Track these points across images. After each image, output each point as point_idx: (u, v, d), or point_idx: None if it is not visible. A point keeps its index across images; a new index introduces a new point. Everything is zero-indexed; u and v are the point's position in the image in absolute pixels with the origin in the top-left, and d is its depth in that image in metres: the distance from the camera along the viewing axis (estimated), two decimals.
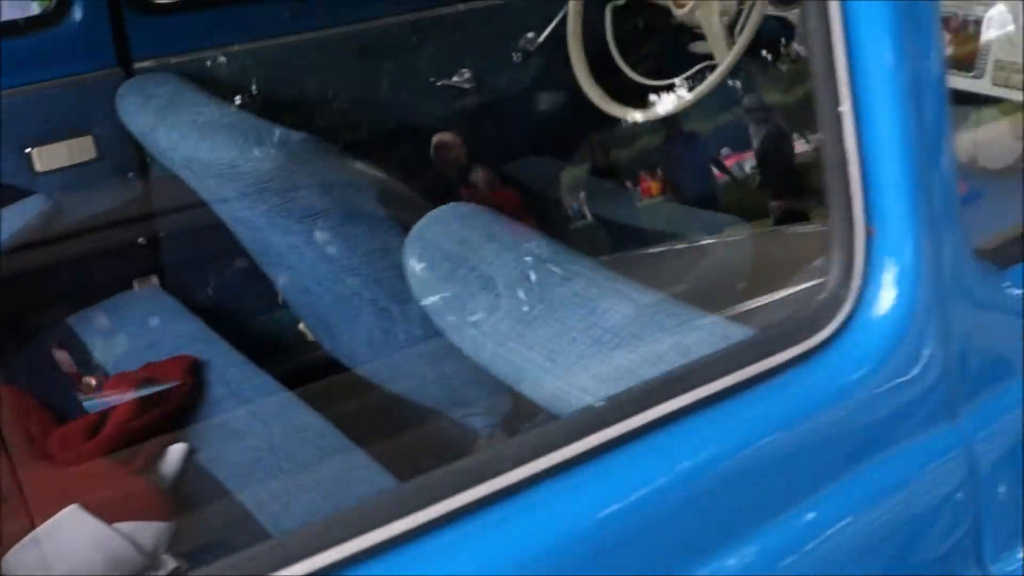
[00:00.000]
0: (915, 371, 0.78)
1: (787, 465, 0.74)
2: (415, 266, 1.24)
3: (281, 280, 1.89)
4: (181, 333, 1.96)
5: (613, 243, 2.48)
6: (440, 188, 2.33)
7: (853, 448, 0.77)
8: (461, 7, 2.33)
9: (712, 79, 1.98)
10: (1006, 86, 1.95)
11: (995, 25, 1.95)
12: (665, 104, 2.10)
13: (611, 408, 0.72)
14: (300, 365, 2.12)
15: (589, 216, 2.50)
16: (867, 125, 0.71)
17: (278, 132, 1.56)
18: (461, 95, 2.35)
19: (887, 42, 0.71)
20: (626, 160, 2.66)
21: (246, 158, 1.53)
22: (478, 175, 2.36)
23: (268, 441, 1.63)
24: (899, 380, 0.78)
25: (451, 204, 1.31)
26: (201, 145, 1.59)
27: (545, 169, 2.53)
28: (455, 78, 2.34)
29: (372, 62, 2.22)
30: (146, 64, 1.98)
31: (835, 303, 0.74)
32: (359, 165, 1.66)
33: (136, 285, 2.11)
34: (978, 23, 1.98)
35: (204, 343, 1.92)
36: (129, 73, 1.96)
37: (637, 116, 2.13)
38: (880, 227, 0.73)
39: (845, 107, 0.70)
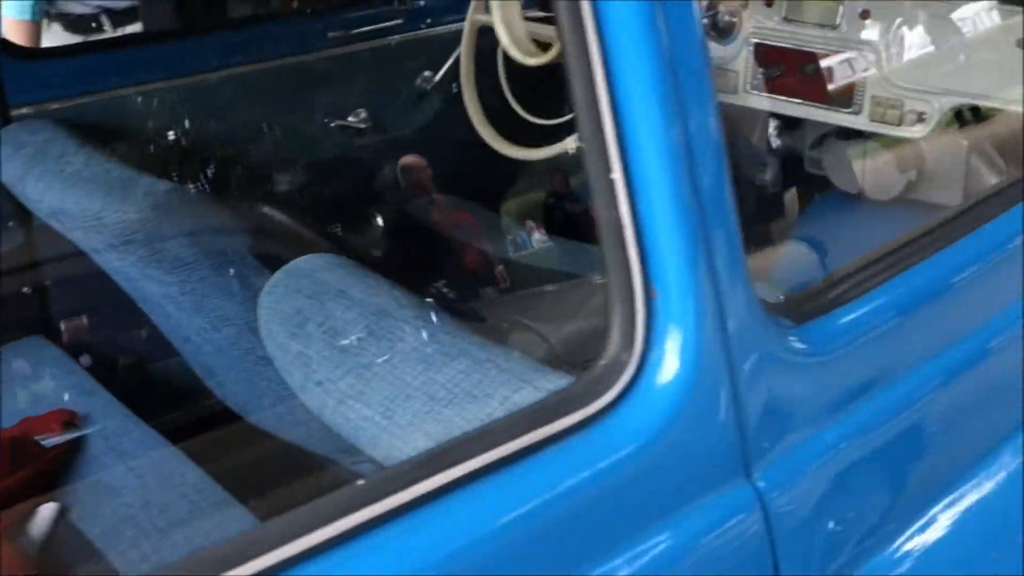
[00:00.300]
0: (703, 434, 0.78)
1: (565, 533, 0.73)
2: (265, 321, 1.22)
3: (164, 329, 1.86)
4: (65, 386, 1.92)
5: (564, 274, 2.48)
6: (408, 209, 2.33)
7: (640, 513, 0.76)
8: (355, 47, 2.33)
9: None
10: (883, 122, 2.00)
11: (870, 62, 2.00)
12: (558, 144, 2.11)
13: (387, 479, 0.72)
14: (195, 414, 2.09)
15: (539, 245, 2.50)
16: (640, 191, 0.71)
17: (144, 182, 1.54)
18: (357, 135, 2.35)
19: (655, 108, 0.71)
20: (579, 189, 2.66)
21: (111, 210, 1.50)
22: (440, 198, 2.36)
23: (143, 497, 1.60)
24: (686, 444, 0.77)
25: (308, 256, 1.30)
26: (66, 196, 1.56)
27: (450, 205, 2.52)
28: (351, 118, 2.33)
29: (263, 103, 2.21)
30: (24, 111, 1.94)
31: (617, 368, 0.74)
32: (229, 212, 1.65)
33: (21, 336, 2.06)
34: (852, 61, 2.03)
35: (87, 395, 1.88)
36: (7, 120, 1.93)
37: (530, 156, 2.14)
38: (661, 291, 0.73)
39: (616, 175, 0.71)
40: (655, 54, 0.70)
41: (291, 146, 2.26)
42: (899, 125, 1.99)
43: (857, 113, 2.05)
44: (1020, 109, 1.94)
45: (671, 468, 0.77)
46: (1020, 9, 1.99)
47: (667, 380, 0.75)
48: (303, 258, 1.30)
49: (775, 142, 2.51)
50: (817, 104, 2.10)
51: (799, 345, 0.85)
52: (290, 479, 1.71)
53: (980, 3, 1.98)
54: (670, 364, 0.74)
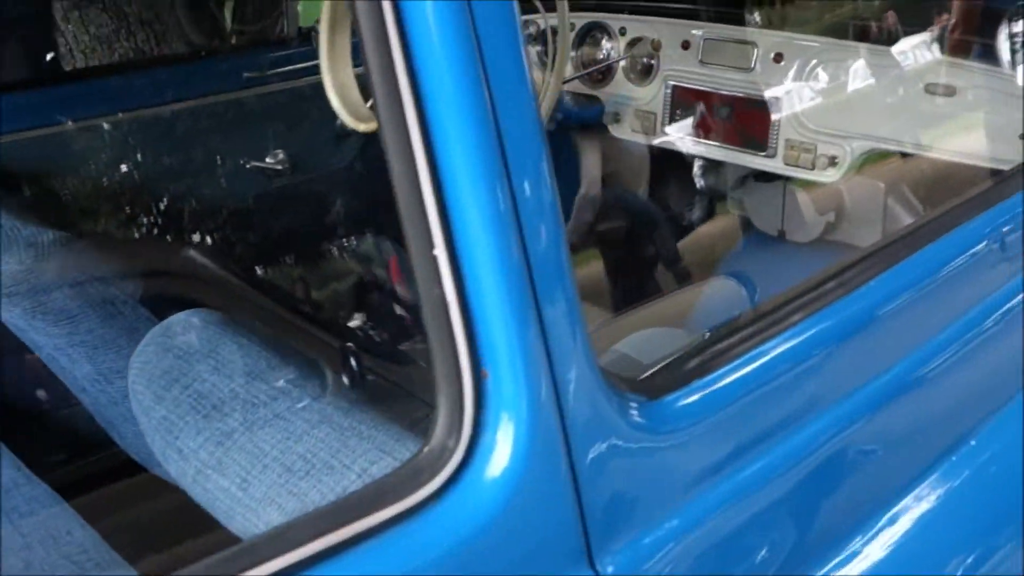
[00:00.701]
0: (538, 524, 0.74)
1: None
2: (133, 382, 1.18)
3: (61, 378, 1.80)
4: None
5: None
6: (330, 251, 2.30)
7: None
8: (273, 87, 2.30)
9: None
10: (796, 165, 2.00)
11: (783, 105, 2.01)
12: None
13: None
14: (98, 465, 2.03)
15: None
16: (465, 266, 0.68)
17: (27, 232, 1.48)
18: (276, 176, 2.31)
19: (479, 177, 0.67)
20: None
21: None
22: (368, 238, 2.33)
23: (26, 559, 1.53)
24: (519, 535, 0.73)
25: (186, 313, 1.26)
26: None
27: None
28: (268, 159, 2.29)
29: (176, 146, 2.16)
30: None
31: (443, 456, 0.70)
32: (123, 261, 1.60)
33: None
34: (766, 104, 2.03)
35: None
36: None
37: None
38: (492, 373, 0.70)
39: (439, 251, 0.67)
40: (477, 119, 0.66)
41: (205, 190, 2.21)
42: (812, 169, 2.00)
43: (772, 156, 2.05)
44: (929, 153, 1.95)
45: (503, 560, 0.73)
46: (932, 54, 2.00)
47: (498, 467, 0.70)
48: (180, 315, 1.26)
49: (699, 182, 2.51)
50: (732, 147, 2.10)
51: (650, 423, 0.81)
52: (183, 537, 1.65)
53: (891, 48, 2.00)
54: (501, 450, 0.70)
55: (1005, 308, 1.37)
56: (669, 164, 2.59)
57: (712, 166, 2.45)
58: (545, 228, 0.70)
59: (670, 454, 0.83)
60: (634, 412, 0.80)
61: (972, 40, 1.89)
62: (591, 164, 2.43)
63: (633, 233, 2.47)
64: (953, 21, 1.95)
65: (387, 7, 0.64)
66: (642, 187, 2.46)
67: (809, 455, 0.95)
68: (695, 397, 0.85)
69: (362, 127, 0.75)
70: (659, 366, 0.87)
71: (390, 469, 0.88)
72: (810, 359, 0.97)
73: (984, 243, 1.33)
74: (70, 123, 2.04)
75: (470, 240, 0.67)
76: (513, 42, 0.69)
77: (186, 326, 1.23)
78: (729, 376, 0.88)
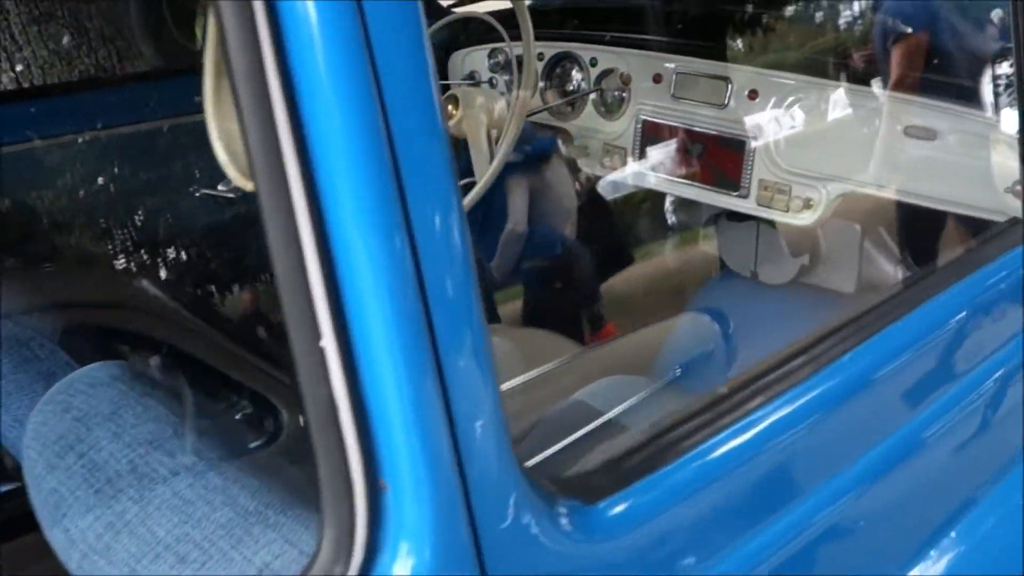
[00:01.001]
0: None
1: None
2: (27, 447, 1.06)
3: None
4: None
5: None
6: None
7: None
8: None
9: (473, 195, 1.88)
10: (770, 207, 1.91)
11: (757, 144, 1.92)
12: None
13: None
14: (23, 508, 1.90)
15: None
16: (361, 358, 0.57)
17: None
18: (228, 205, 2.19)
19: (379, 249, 0.56)
20: None
21: None
22: None
23: None
24: None
25: (92, 366, 1.15)
26: None
27: None
28: (220, 187, 2.17)
29: (118, 171, 2.05)
30: None
31: None
32: (45, 299, 1.48)
33: None
34: (739, 142, 1.94)
35: None
36: None
37: None
38: (392, 485, 0.59)
39: (327, 341, 0.56)
40: (374, 174, 0.55)
41: (151, 218, 2.10)
42: (787, 211, 1.91)
43: (744, 197, 1.96)
44: (907, 198, 1.86)
45: None
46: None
47: None
48: (87, 368, 1.15)
49: (671, 219, 2.42)
50: (704, 185, 2.01)
51: (585, 533, 0.69)
52: None
53: (869, 89, 1.91)
54: (399, 573, 0.59)
55: (1005, 369, 1.27)
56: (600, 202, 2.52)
57: (683, 203, 2.37)
58: (459, 310, 0.59)
59: (611, 566, 0.71)
60: (565, 521, 0.69)
61: (954, 82, 1.81)
62: (518, 201, 2.35)
63: (557, 271, 2.40)
64: (934, 61, 1.87)
65: (263, 33, 0.54)
66: (569, 225, 2.38)
67: (786, 546, 0.84)
68: (640, 498, 0.74)
69: (249, 185, 0.64)
70: (599, 465, 0.76)
71: (297, 565, 0.78)
72: (778, 446, 0.86)
73: (979, 303, 1.23)
74: (21, 143, 1.93)
75: (366, 327, 0.56)
76: (423, 82, 0.58)
77: (91, 382, 1.11)
78: (681, 471, 0.77)
